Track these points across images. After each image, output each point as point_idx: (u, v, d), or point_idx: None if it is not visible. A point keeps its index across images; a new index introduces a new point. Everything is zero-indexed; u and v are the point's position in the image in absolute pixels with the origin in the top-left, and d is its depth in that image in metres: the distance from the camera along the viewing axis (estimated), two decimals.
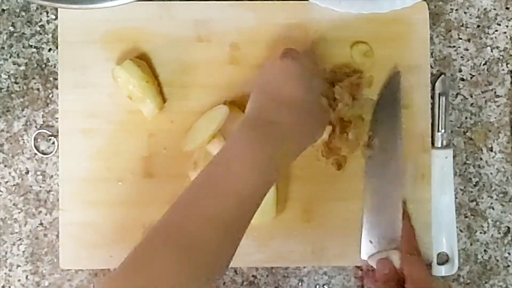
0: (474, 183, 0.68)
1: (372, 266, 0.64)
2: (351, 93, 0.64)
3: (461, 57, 0.68)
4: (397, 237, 0.64)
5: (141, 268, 0.46)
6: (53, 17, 0.66)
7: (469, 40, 0.68)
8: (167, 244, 0.47)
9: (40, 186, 0.66)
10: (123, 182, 0.65)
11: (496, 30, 0.68)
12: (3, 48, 0.66)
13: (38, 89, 0.67)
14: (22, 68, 0.67)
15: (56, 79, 0.66)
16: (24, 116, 0.66)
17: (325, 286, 0.67)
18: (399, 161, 0.65)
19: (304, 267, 0.67)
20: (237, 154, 0.51)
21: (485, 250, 0.68)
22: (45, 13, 0.67)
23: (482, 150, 0.68)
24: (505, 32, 0.68)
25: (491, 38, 0.68)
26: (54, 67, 0.66)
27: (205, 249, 0.47)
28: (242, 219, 0.50)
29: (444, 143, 0.67)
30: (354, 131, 0.64)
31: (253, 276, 0.67)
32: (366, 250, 0.65)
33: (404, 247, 0.63)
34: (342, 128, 0.64)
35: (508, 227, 0.68)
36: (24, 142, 0.66)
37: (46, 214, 0.66)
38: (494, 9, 0.68)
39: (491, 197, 0.68)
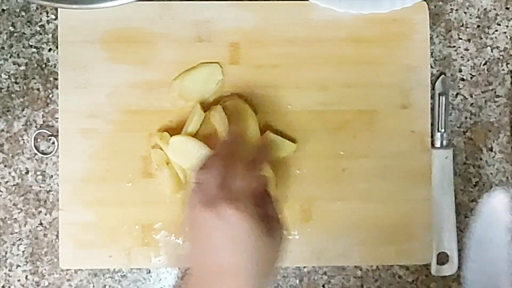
0: (474, 183, 0.68)
1: None
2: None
3: (461, 57, 0.68)
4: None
5: None
6: (53, 17, 0.66)
7: (469, 40, 0.68)
8: None
9: (40, 186, 0.66)
10: (123, 182, 0.65)
11: (496, 30, 0.68)
12: (3, 48, 0.66)
13: (38, 89, 0.67)
14: (22, 68, 0.67)
15: (56, 79, 0.66)
16: (24, 116, 0.66)
17: (325, 286, 0.67)
18: None
19: (304, 267, 0.67)
20: None
21: None
22: (45, 13, 0.67)
23: (482, 150, 0.68)
24: (505, 32, 0.68)
25: (491, 38, 0.68)
26: (54, 67, 0.66)
27: None
28: None
29: (444, 143, 0.66)
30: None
31: None
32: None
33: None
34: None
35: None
36: (24, 142, 0.66)
37: (46, 214, 0.66)
38: (494, 9, 0.68)
39: None
